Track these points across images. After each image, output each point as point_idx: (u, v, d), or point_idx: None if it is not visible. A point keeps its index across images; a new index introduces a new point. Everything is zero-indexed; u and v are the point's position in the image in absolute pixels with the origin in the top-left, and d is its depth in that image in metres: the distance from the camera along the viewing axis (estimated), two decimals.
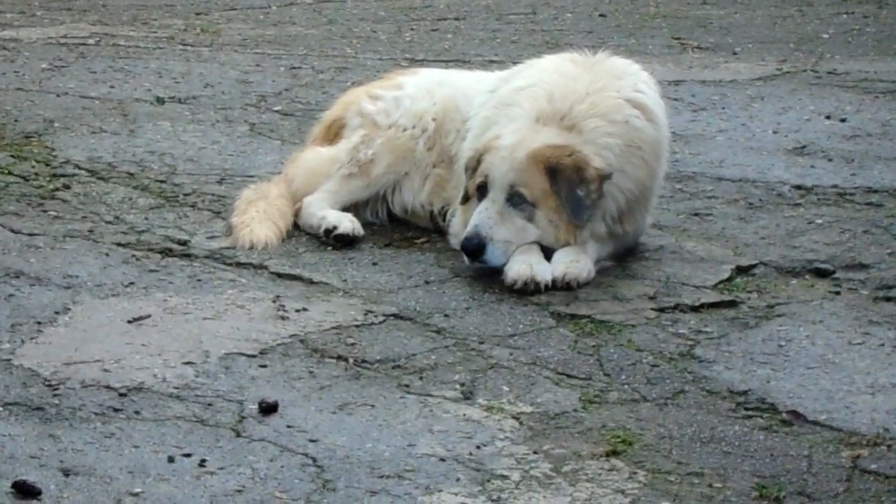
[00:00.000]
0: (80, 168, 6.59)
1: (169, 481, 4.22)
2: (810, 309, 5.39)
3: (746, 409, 4.73)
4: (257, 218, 5.92)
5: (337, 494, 4.21)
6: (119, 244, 5.83)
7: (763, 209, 6.31)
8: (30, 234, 5.87)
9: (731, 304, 5.43)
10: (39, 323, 5.11)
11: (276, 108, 7.53)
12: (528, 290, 5.45)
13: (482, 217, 5.55)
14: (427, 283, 5.58)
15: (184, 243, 5.86)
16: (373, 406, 4.68)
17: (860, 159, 6.89)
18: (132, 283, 5.47)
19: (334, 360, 4.96)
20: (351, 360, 4.96)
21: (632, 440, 4.52)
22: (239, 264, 5.71)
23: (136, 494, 4.16)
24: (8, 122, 7.12)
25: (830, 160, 6.89)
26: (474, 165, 5.65)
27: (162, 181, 6.48)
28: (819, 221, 6.18)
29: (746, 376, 4.92)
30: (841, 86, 8.02)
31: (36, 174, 6.50)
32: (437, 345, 5.09)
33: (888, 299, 5.46)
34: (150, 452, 4.36)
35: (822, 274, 5.68)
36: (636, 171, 5.66)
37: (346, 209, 6.03)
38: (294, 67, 8.29)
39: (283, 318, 5.24)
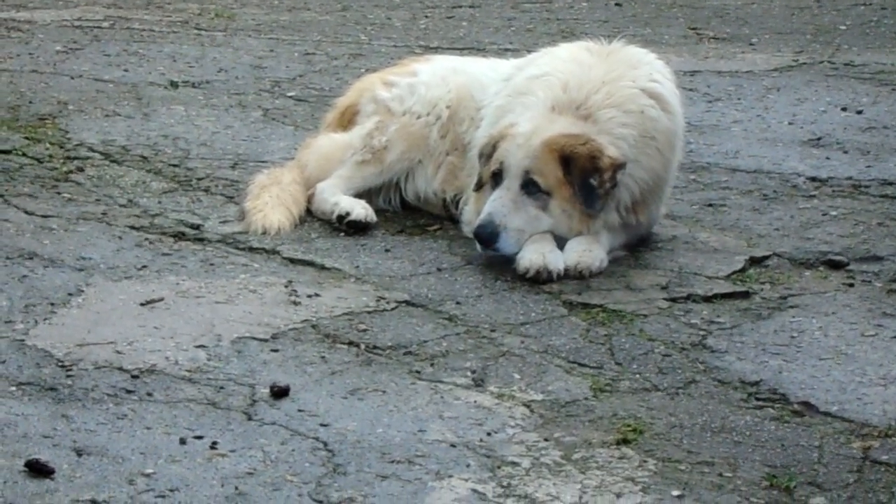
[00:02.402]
0: (93, 151, 6.60)
1: (180, 463, 4.24)
2: (823, 300, 5.38)
3: (758, 399, 4.73)
4: (270, 203, 5.92)
5: (347, 478, 4.22)
6: (132, 227, 5.84)
7: (777, 200, 6.30)
8: (43, 216, 5.89)
9: (744, 294, 5.42)
10: (53, 304, 5.13)
11: (289, 94, 7.53)
12: (540, 279, 5.45)
13: (496, 205, 5.54)
14: (439, 270, 5.58)
15: (197, 227, 5.87)
16: (384, 392, 4.69)
17: (876, 151, 6.87)
18: (145, 267, 5.49)
19: (346, 346, 4.96)
20: (362, 346, 4.97)
21: (642, 429, 4.52)
22: (251, 249, 5.71)
23: (147, 475, 4.17)
24: (22, 104, 7.13)
25: (846, 152, 6.87)
26: (489, 152, 5.65)
27: (175, 165, 6.49)
28: (833, 213, 6.16)
29: (758, 367, 4.91)
30: (857, 77, 7.99)
31: (50, 156, 6.51)
32: (448, 332, 5.09)
33: None
34: (161, 434, 4.37)
35: (835, 265, 5.67)
36: (650, 161, 5.65)
37: (359, 196, 6.03)
38: (308, 53, 8.29)
39: (295, 303, 5.25)
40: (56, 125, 6.88)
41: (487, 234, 5.51)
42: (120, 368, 4.72)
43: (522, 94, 5.76)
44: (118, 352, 4.82)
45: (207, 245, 5.73)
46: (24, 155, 6.52)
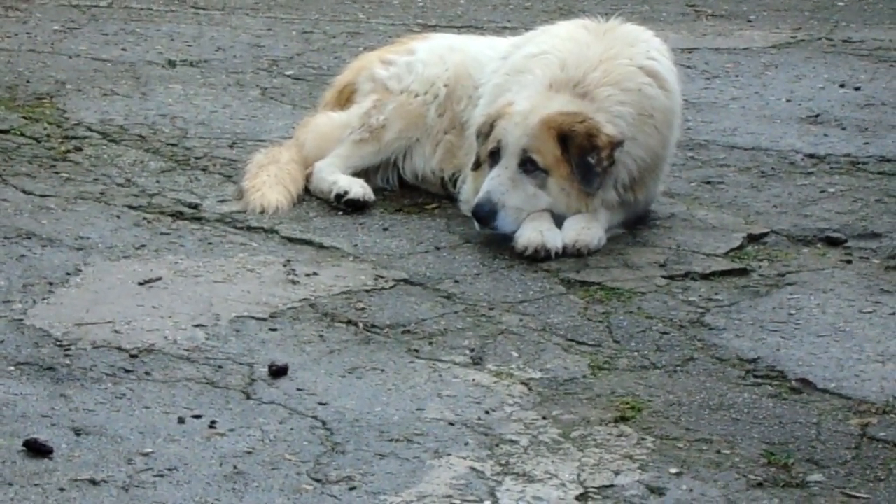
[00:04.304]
0: (91, 130, 6.60)
1: (179, 442, 4.25)
2: (821, 277, 5.39)
3: (756, 376, 4.74)
4: (268, 182, 5.92)
5: (346, 457, 4.23)
6: (130, 206, 5.84)
7: (775, 177, 6.30)
8: (42, 196, 5.89)
9: (742, 272, 5.43)
10: (51, 284, 5.13)
11: (287, 73, 7.52)
12: (538, 257, 5.45)
13: (494, 183, 5.54)
14: (437, 248, 5.59)
15: (195, 206, 5.87)
16: (382, 370, 4.69)
17: (874, 128, 6.87)
18: (143, 246, 5.49)
19: (344, 325, 4.97)
20: (361, 325, 4.97)
21: (640, 406, 4.53)
22: (250, 228, 5.72)
23: (146, 454, 4.18)
24: (20, 84, 7.12)
25: (844, 129, 6.86)
26: (487, 131, 5.65)
27: (173, 144, 6.49)
28: (831, 190, 6.17)
29: (756, 344, 4.92)
30: (855, 54, 7.98)
31: (48, 136, 6.51)
32: (446, 310, 5.10)
33: None
34: (160, 413, 4.38)
35: (833, 242, 5.67)
36: (648, 138, 5.65)
37: (357, 174, 6.03)
38: (306, 32, 8.27)
39: (293, 282, 5.25)
40: (54, 104, 6.87)
41: (485, 213, 5.52)
42: (118, 348, 4.73)
43: (520, 72, 5.75)
44: (116, 331, 4.83)
45: (205, 224, 5.73)
46: (21, 134, 6.51)
